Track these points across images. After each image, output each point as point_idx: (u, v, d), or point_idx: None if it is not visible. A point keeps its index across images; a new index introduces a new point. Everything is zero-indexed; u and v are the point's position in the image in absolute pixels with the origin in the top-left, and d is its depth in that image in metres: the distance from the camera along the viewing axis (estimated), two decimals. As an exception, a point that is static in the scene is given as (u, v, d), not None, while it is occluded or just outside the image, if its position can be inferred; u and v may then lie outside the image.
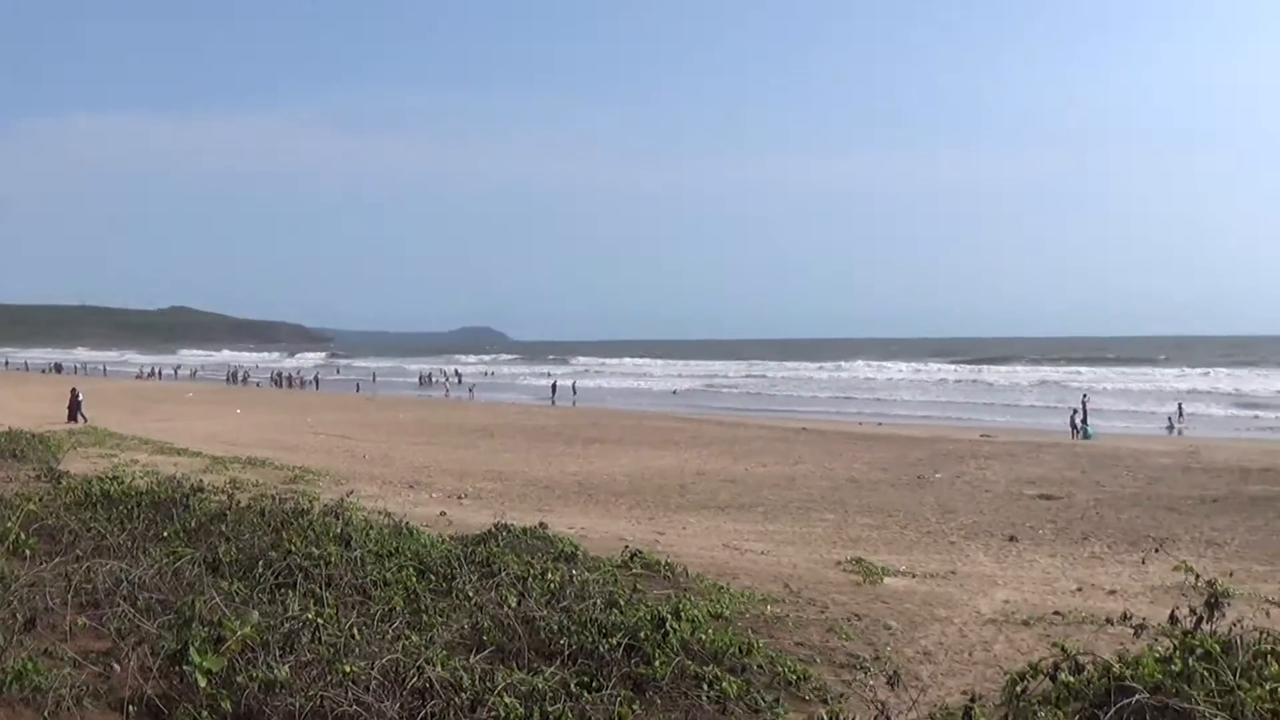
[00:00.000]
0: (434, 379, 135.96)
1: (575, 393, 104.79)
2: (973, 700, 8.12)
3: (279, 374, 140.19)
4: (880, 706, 9.58)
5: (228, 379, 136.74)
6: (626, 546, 15.51)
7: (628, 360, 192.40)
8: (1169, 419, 68.81)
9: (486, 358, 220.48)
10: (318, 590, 10.86)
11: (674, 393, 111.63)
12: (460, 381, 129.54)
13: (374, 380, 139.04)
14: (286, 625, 8.97)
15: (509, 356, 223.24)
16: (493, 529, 15.57)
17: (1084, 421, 58.42)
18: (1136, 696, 6.77)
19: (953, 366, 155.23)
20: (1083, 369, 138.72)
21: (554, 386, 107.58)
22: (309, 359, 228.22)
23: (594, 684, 8.61)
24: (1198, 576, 8.48)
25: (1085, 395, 71.58)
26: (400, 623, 9.74)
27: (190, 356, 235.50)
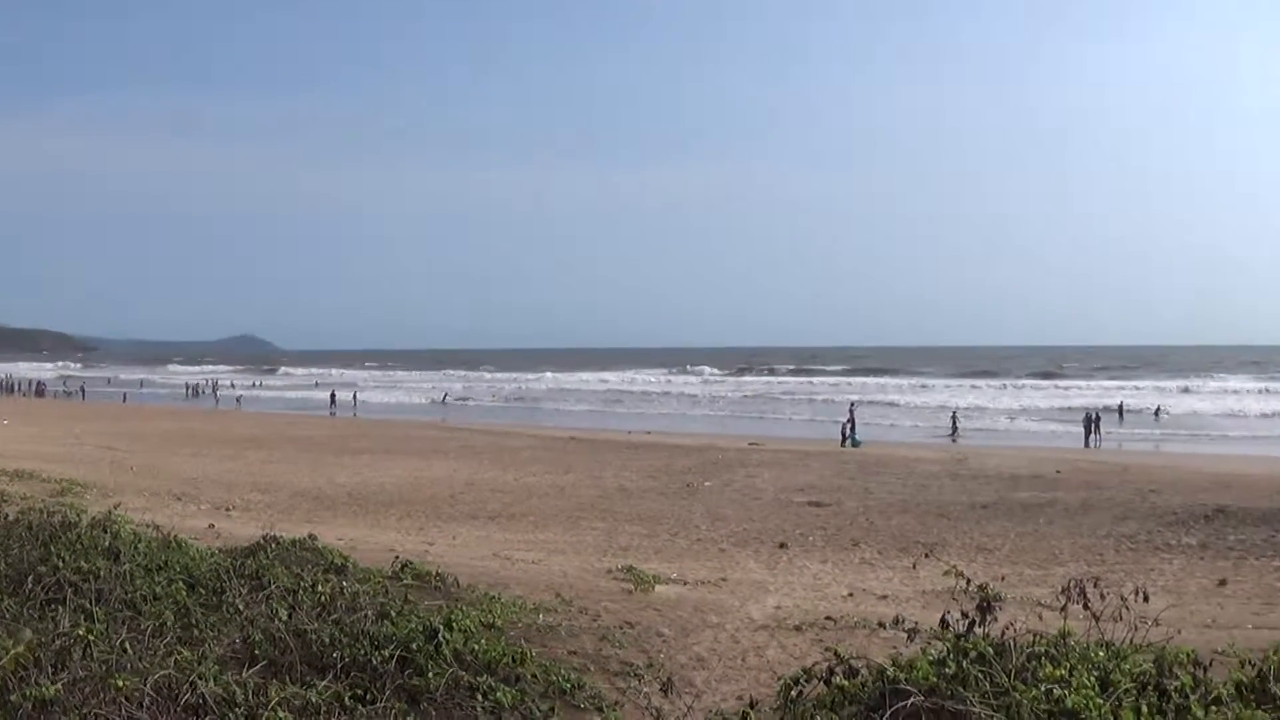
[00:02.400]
0: (202, 389, 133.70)
1: (356, 403, 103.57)
2: (750, 705, 8.20)
3: (14, 383, 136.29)
4: (655, 713, 9.63)
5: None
6: (397, 557, 15.31)
7: (399, 371, 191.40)
8: (950, 426, 70.81)
9: (254, 368, 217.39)
10: (88, 605, 10.55)
11: (443, 402, 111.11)
12: (232, 389, 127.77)
13: (141, 389, 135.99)
14: (58, 642, 8.74)
15: (272, 368, 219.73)
16: (262, 541, 15.25)
17: (852, 429, 59.66)
18: (911, 699, 6.87)
19: (722, 375, 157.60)
20: (852, 379, 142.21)
21: (333, 397, 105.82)
22: (71, 368, 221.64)
23: (368, 697, 8.55)
24: (969, 581, 8.61)
25: (853, 404, 73.11)
26: (172, 637, 9.50)
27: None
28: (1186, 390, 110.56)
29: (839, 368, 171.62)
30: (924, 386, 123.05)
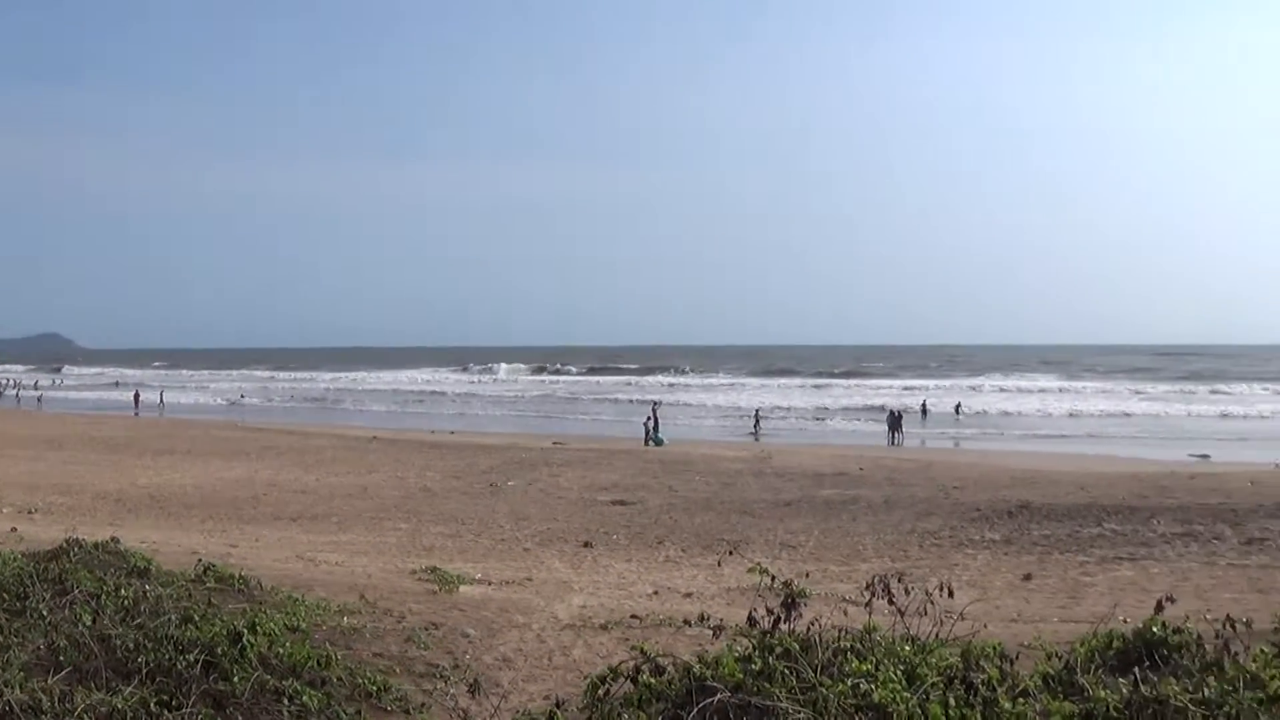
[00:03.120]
0: (3, 388, 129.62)
1: (162, 403, 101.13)
2: (557, 705, 8.21)
3: None
4: (462, 715, 9.60)
5: None
6: (200, 560, 15.04)
7: (204, 371, 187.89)
8: (753, 424, 71.50)
9: (44, 366, 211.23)
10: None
11: (239, 401, 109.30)
12: (35, 388, 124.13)
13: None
14: None
15: (58, 366, 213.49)
16: (65, 544, 14.84)
17: (655, 428, 59.92)
18: (718, 695, 6.87)
19: (531, 375, 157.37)
20: (658, 376, 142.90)
21: (136, 396, 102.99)
22: None
23: (174, 702, 8.38)
24: (773, 577, 8.61)
25: (656, 403, 73.58)
26: (-25, 645, 9.23)
27: None
28: (991, 389, 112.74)
29: (636, 366, 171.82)
30: (730, 385, 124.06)
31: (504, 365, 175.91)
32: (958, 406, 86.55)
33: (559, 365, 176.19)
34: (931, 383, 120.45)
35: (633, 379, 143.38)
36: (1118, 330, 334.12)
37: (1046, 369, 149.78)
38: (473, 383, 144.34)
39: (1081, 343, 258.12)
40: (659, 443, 57.02)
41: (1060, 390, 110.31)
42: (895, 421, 64.78)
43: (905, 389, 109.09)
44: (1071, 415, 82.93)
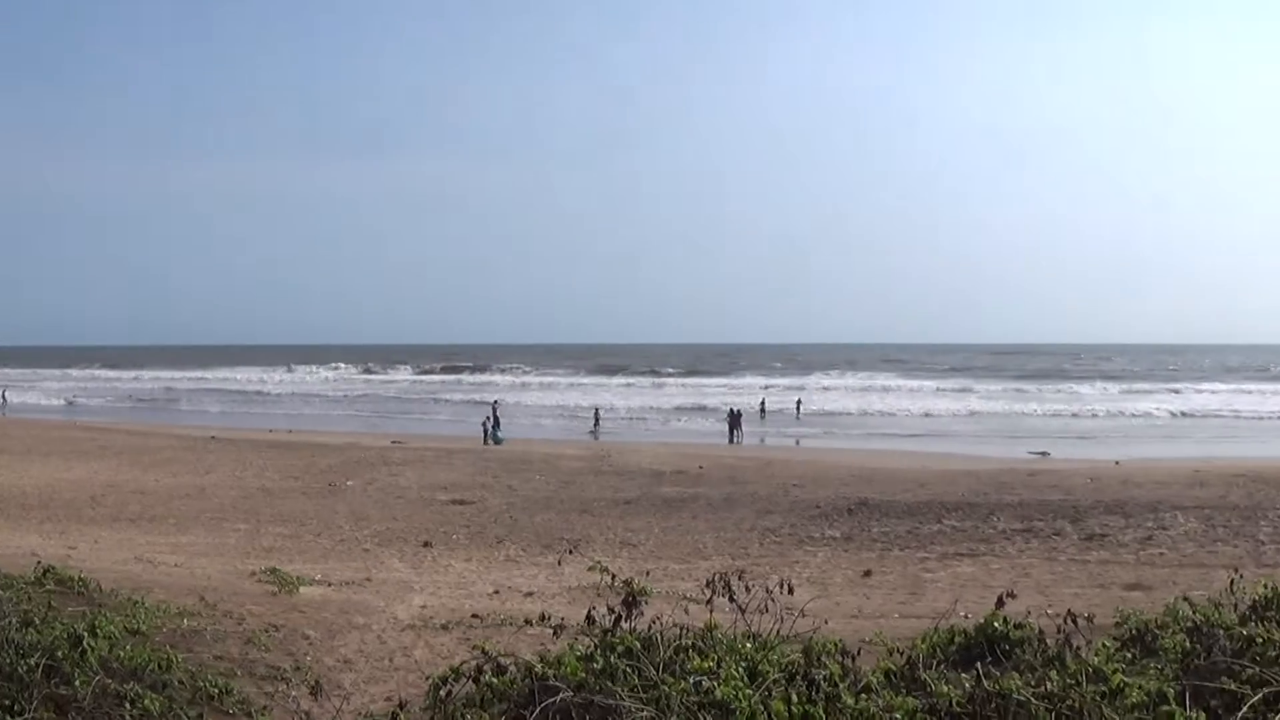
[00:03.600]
0: None
1: (5, 402, 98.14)
2: (399, 706, 8.21)
3: None
4: (304, 717, 9.59)
5: None
6: (39, 562, 14.74)
7: (29, 369, 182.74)
8: (593, 422, 71.52)
9: None
10: None
11: (75, 402, 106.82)
12: None
13: None
14: None
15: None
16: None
17: (495, 427, 59.73)
18: (561, 695, 6.87)
19: (365, 375, 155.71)
20: (497, 375, 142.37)
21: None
22: None
23: (15, 707, 8.22)
24: (614, 576, 8.67)
25: (496, 401, 73.31)
26: None
27: None
28: (831, 388, 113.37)
29: (473, 364, 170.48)
30: (569, 385, 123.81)
31: (342, 365, 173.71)
32: (798, 405, 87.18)
33: (395, 364, 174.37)
34: (771, 381, 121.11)
35: (471, 378, 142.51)
36: (957, 329, 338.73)
37: (887, 367, 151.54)
38: (304, 381, 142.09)
39: (921, 341, 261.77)
40: (498, 441, 56.81)
41: (900, 389, 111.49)
42: (735, 420, 65.04)
43: (746, 388, 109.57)
44: (910, 414, 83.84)
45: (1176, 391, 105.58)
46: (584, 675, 7.09)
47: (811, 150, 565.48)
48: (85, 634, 9.55)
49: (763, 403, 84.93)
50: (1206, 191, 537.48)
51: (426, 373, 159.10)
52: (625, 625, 8.01)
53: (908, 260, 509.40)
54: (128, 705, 8.79)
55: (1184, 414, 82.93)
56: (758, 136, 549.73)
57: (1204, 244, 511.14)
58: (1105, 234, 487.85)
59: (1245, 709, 6.28)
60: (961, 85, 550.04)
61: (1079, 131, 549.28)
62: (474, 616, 16.22)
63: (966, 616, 9.99)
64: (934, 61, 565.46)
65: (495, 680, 7.52)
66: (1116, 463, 44.08)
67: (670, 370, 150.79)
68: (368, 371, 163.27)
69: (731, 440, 62.62)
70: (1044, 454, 52.36)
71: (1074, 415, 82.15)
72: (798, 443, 63.16)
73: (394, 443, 53.48)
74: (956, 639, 8.16)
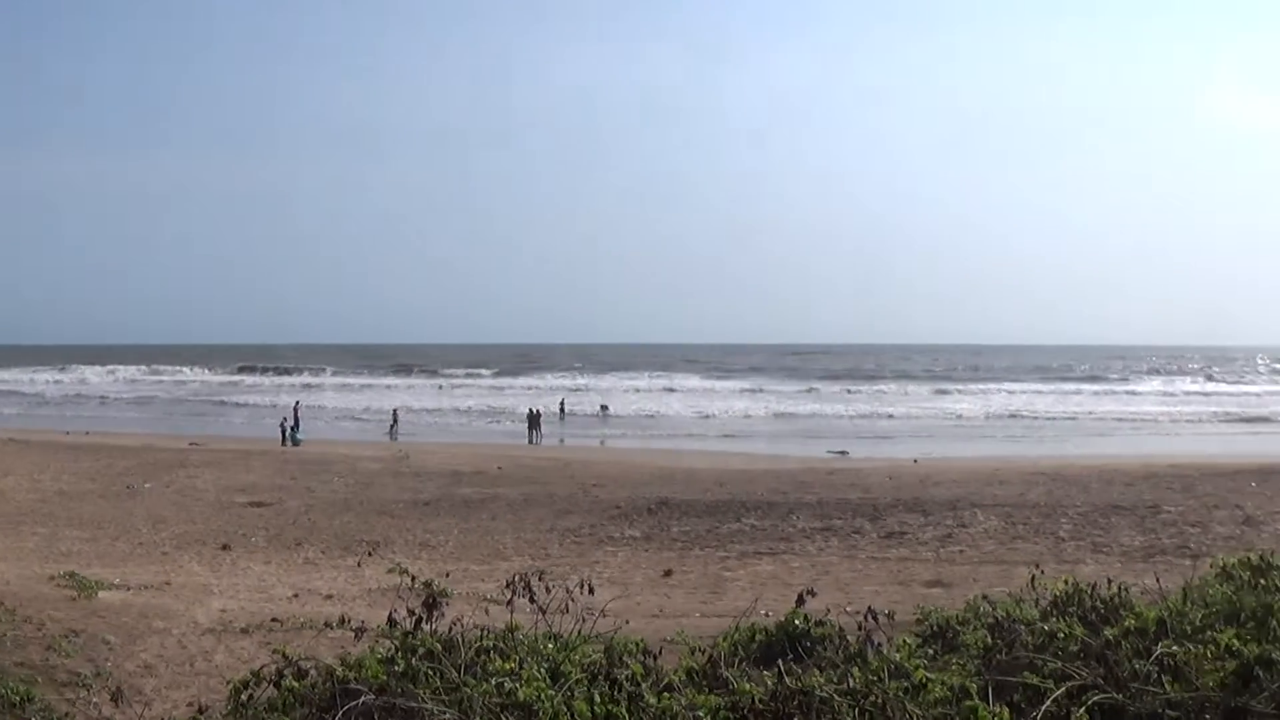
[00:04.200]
0: None
1: None
2: (200, 711, 8.11)
3: None
4: (106, 724, 9.43)
5: None
6: None
7: None
8: (390, 423, 70.70)
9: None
10: None
11: None
12: None
13: None
14: None
15: None
16: None
17: (294, 428, 58.95)
18: (363, 698, 6.78)
19: (154, 376, 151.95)
20: (295, 377, 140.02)
21: None
22: None
23: None
24: (414, 578, 8.62)
25: (297, 403, 72.34)
26: None
27: None
28: (633, 389, 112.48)
29: (273, 366, 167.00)
30: (366, 386, 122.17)
31: (122, 367, 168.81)
32: (603, 408, 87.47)
33: (188, 364, 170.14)
34: (571, 382, 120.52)
35: (269, 379, 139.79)
36: (758, 330, 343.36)
37: (687, 367, 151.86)
38: (87, 382, 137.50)
39: (721, 341, 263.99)
40: (297, 443, 56.07)
41: (700, 389, 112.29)
42: (534, 420, 65.14)
43: (545, 388, 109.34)
44: (711, 414, 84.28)
45: (979, 392, 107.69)
46: (386, 678, 7.00)
47: (608, 148, 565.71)
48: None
49: (562, 403, 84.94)
50: (1017, 196, 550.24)
51: (224, 373, 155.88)
52: (426, 627, 7.89)
53: (709, 261, 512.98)
54: (-76, 716, 8.60)
55: (985, 414, 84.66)
56: (549, 136, 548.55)
57: (1015, 247, 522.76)
58: (913, 235, 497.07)
59: (1049, 703, 6.36)
60: (761, 80, 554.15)
61: (897, 131, 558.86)
62: (274, 620, 16.04)
63: (767, 615, 10.07)
64: (725, 56, 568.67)
65: (296, 684, 7.41)
66: (915, 461, 45.04)
67: (469, 371, 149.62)
68: (154, 372, 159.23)
69: (531, 441, 62.62)
70: (843, 453, 53.05)
71: (874, 415, 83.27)
72: (603, 443, 63.30)
73: (191, 444, 52.31)
74: (758, 637, 8.20)
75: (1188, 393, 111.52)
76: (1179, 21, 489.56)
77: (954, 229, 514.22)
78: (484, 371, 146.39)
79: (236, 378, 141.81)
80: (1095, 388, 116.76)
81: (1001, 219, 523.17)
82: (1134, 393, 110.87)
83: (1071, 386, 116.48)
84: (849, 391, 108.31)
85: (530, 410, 68.12)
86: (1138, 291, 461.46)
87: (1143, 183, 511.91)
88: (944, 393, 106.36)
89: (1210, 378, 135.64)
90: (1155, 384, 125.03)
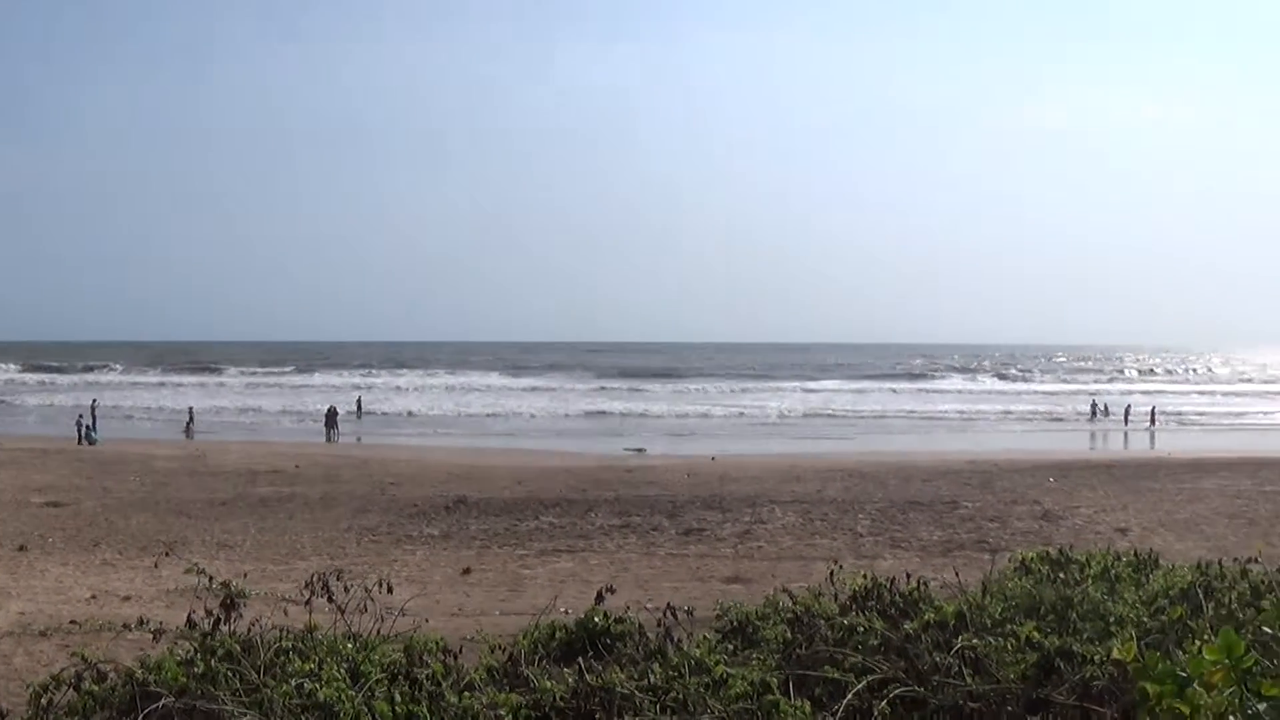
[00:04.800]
0: None
1: None
2: (1, 717, 8.03)
3: None
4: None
5: None
6: None
7: None
8: (187, 421, 69.27)
9: None
10: None
11: None
12: None
13: None
14: None
15: None
16: None
17: (92, 427, 57.66)
18: (163, 700, 6.62)
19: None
20: (87, 375, 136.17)
21: None
22: None
23: None
24: (211, 578, 8.53)
25: (95, 401, 70.82)
26: None
27: None
28: (435, 387, 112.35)
29: (63, 364, 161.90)
30: (160, 384, 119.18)
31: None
32: (410, 411, 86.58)
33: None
34: (370, 380, 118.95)
35: (65, 378, 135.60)
36: (558, 328, 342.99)
37: (488, 365, 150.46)
38: None
39: (526, 339, 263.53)
40: (93, 442, 54.79)
41: (500, 387, 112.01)
42: (331, 419, 64.59)
43: (343, 386, 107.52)
44: (512, 412, 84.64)
45: (779, 390, 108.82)
46: (185, 680, 6.87)
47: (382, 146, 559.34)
48: None
49: (358, 401, 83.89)
50: (838, 190, 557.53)
51: (12, 370, 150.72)
52: (225, 628, 7.74)
53: (500, 258, 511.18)
54: None
55: (784, 411, 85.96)
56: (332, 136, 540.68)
57: (835, 245, 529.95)
58: (725, 233, 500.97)
59: (850, 696, 6.39)
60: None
61: (712, 131, 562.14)
62: (73, 622, 15.87)
63: (567, 612, 10.16)
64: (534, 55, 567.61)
65: (96, 688, 7.28)
66: (713, 458, 45.51)
67: (267, 369, 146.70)
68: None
69: (329, 439, 62.15)
70: (640, 450, 53.48)
71: (672, 414, 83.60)
72: (410, 440, 62.73)
73: (-17, 444, 50.90)
74: (558, 634, 8.00)
75: (986, 391, 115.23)
76: (1009, 28, 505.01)
77: (773, 227, 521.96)
78: (282, 369, 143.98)
79: (23, 376, 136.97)
80: (895, 385, 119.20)
81: (831, 218, 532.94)
82: (933, 390, 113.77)
83: (871, 384, 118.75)
84: (641, 390, 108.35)
85: (329, 409, 67.45)
86: (945, 289, 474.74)
87: (969, 182, 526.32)
88: (745, 390, 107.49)
89: (1001, 375, 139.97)
90: (955, 382, 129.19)
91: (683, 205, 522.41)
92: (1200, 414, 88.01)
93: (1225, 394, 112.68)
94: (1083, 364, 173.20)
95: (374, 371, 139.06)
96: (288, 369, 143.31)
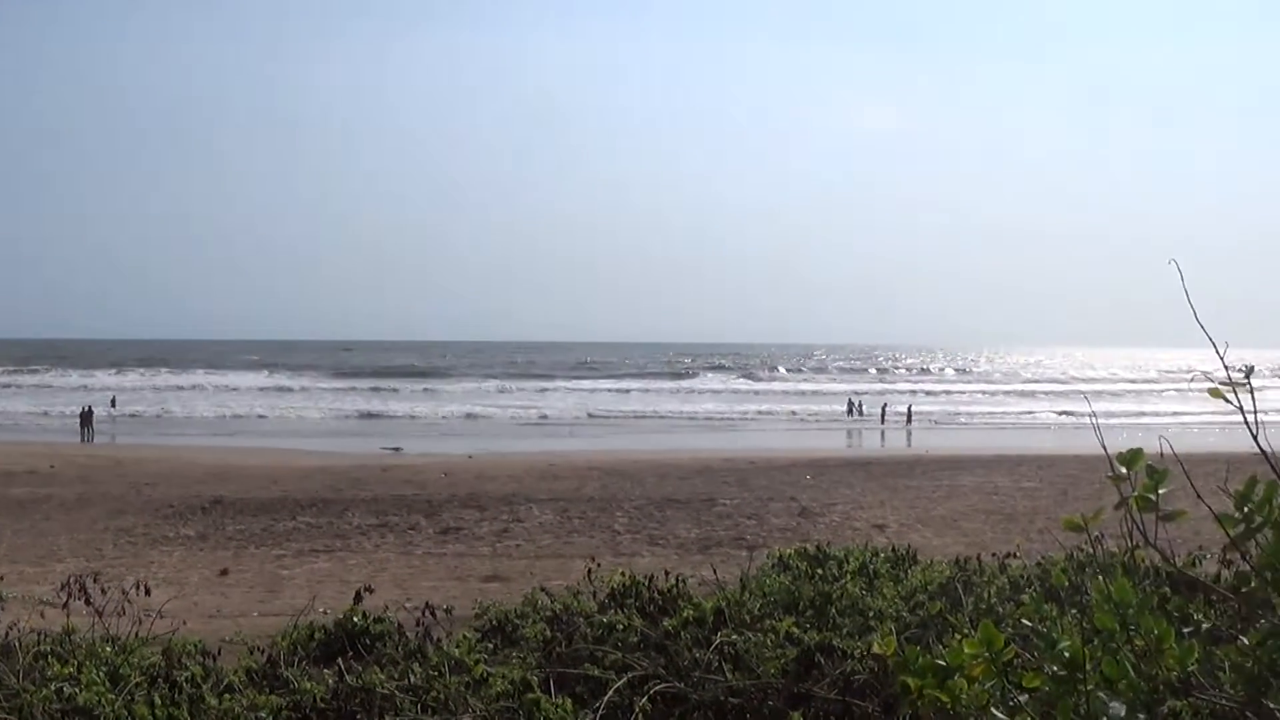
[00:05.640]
0: None
1: None
2: None
3: None
4: None
5: None
6: None
7: None
8: None
9: None
10: None
11: None
12: None
13: None
14: None
15: None
16: None
17: None
18: None
19: None
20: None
21: None
22: None
23: None
24: None
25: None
26: None
27: None
28: (190, 386, 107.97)
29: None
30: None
31: None
32: (165, 411, 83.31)
33: None
34: (120, 381, 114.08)
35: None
36: (312, 326, 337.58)
37: (244, 364, 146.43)
38: None
39: (284, 338, 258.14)
40: None
41: (257, 387, 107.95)
42: (86, 418, 62.70)
43: (98, 386, 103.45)
44: (262, 412, 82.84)
45: (538, 390, 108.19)
46: None
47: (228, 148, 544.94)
48: None
49: (113, 400, 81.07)
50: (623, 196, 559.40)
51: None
52: None
53: (252, 256, 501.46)
54: None
55: (543, 410, 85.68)
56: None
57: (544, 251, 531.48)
58: (497, 231, 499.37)
59: (610, 693, 6.36)
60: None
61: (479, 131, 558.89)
62: None
63: (325, 613, 9.90)
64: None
65: None
66: (469, 457, 45.30)
67: (15, 367, 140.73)
68: None
69: (84, 439, 60.18)
70: (397, 449, 52.70)
71: (427, 415, 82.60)
72: (170, 440, 60.89)
73: None
74: (317, 635, 7.86)
75: (744, 390, 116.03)
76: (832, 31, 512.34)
77: (536, 224, 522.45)
78: (33, 368, 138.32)
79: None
80: (656, 385, 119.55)
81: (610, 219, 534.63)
82: (692, 390, 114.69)
83: (634, 383, 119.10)
84: (398, 391, 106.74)
85: (83, 408, 65.41)
86: (708, 291, 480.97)
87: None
88: (504, 391, 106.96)
89: (751, 376, 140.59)
90: (713, 381, 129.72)
91: (459, 205, 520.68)
92: (958, 412, 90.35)
93: (985, 393, 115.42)
94: (841, 362, 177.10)
95: (125, 370, 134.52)
96: (37, 368, 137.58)
